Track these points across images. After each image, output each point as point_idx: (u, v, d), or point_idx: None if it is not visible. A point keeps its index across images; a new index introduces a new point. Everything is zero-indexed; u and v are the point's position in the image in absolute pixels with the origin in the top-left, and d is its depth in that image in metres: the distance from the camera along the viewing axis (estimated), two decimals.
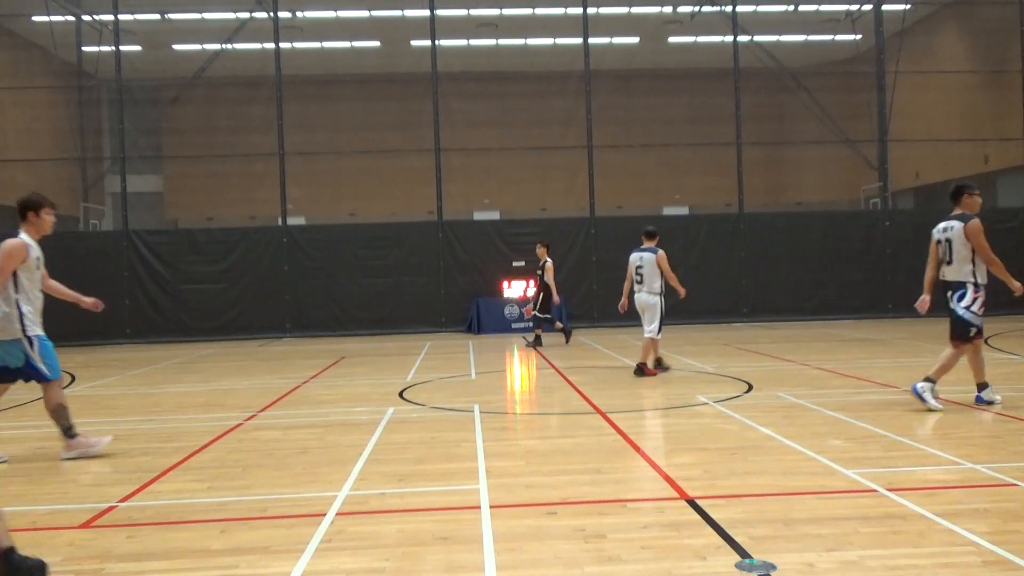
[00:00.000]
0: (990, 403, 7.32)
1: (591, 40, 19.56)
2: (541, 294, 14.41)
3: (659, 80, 25.08)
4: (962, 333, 7.23)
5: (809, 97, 21.30)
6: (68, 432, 6.26)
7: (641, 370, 10.10)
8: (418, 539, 4.14)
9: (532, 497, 4.84)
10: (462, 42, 23.22)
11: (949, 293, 7.36)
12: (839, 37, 23.90)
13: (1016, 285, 7.29)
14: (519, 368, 12.00)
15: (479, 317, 18.00)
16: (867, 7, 21.81)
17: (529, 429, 7.32)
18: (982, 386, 7.43)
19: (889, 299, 19.13)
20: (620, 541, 4.02)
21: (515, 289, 18.40)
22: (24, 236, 6.11)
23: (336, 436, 6.94)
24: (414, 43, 22.25)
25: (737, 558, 3.71)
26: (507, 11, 21.94)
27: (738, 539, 3.96)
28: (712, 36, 21.88)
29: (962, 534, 3.93)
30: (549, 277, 14.32)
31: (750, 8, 21.10)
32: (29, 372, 6.12)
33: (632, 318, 18.48)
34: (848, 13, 22.74)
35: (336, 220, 21.56)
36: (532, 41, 23.79)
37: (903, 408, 7.41)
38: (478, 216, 21.93)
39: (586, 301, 18.79)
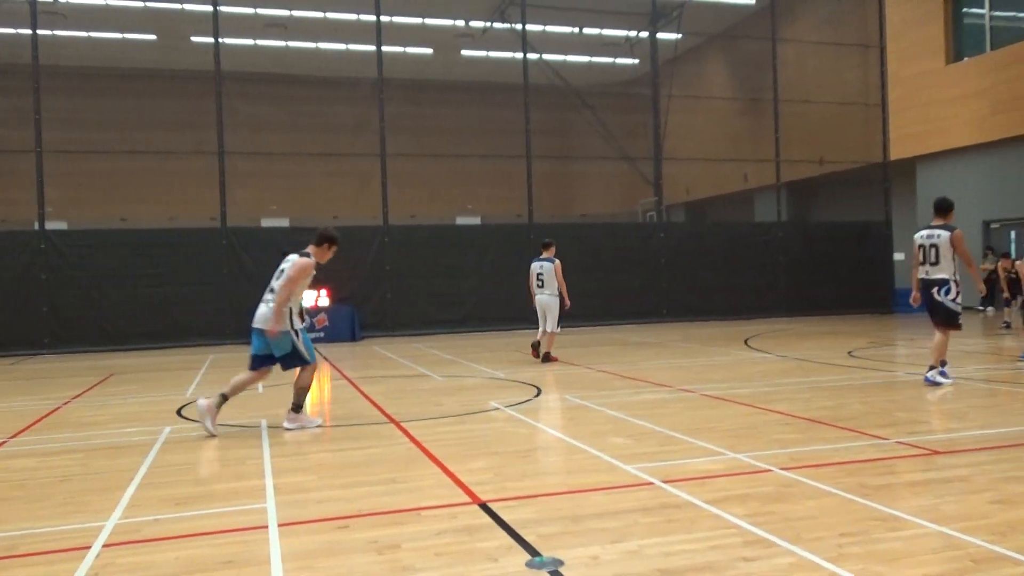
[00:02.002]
0: (939, 384, 8.65)
1: (384, 48, 19.45)
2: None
3: (452, 91, 25.49)
4: (951, 321, 8.70)
5: (593, 115, 22.53)
6: (298, 407, 7.50)
7: (548, 358, 12.07)
8: (199, 565, 3.87)
9: (324, 512, 4.68)
10: (248, 42, 22.27)
11: (935, 289, 8.75)
12: (619, 60, 25.55)
13: (982, 287, 9.22)
14: None
15: None
16: (644, 34, 23.46)
17: (321, 442, 7.09)
18: (943, 363, 8.82)
19: (664, 304, 20.63)
20: (414, 550, 3.98)
21: (307, 298, 17.81)
22: (313, 258, 7.40)
23: (103, 460, 6.34)
24: (195, 39, 21.02)
25: (528, 557, 3.80)
26: (297, 13, 21.33)
27: (528, 538, 4.06)
28: (503, 52, 22.56)
29: (727, 518, 4.28)
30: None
31: (539, 27, 21.98)
32: (294, 358, 7.36)
33: (428, 327, 18.67)
34: (627, 39, 24.38)
35: (104, 225, 19.79)
36: (323, 45, 23.29)
37: (677, 405, 7.99)
38: (266, 223, 21.05)
39: (380, 310, 18.61)
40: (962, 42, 22.02)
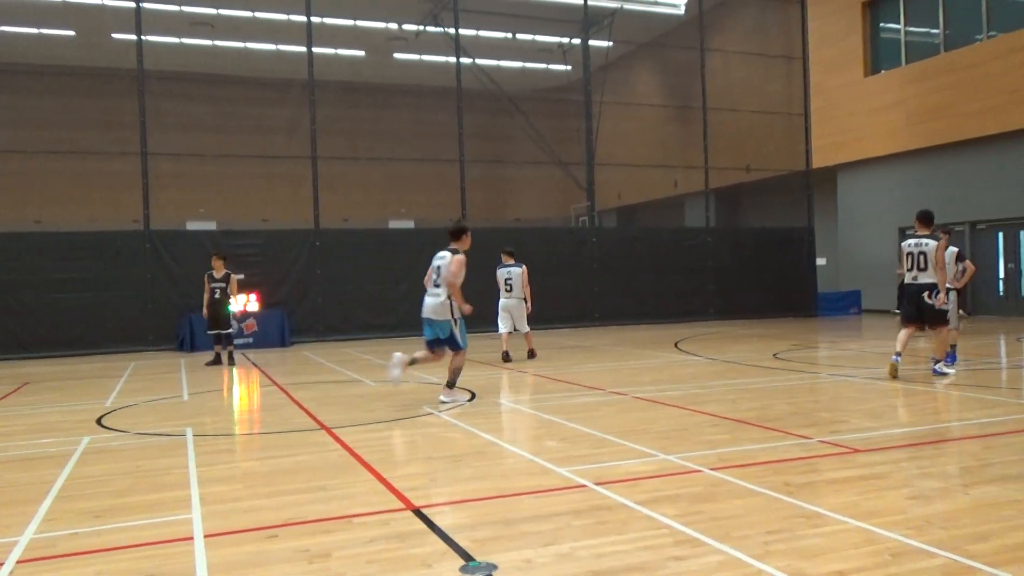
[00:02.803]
0: (946, 374, 9.51)
1: (316, 49, 19.17)
2: (224, 309, 13.75)
3: (385, 94, 25.30)
4: (941, 319, 9.51)
5: (526, 120, 22.64)
6: (452, 384, 8.63)
7: (532, 354, 13.06)
8: None
9: (252, 521, 4.57)
10: (173, 40, 21.67)
11: (925, 293, 9.46)
12: (552, 66, 25.76)
13: (942, 298, 9.40)
14: (238, 387, 11.35)
15: (192, 334, 16.77)
16: (576, 41, 23.71)
17: (249, 450, 6.92)
18: (937, 360, 9.65)
19: (596, 308, 20.85)
20: (345, 558, 3.92)
21: (236, 303, 17.41)
22: (462, 252, 8.39)
23: (16, 473, 6.07)
24: (116, 36, 20.35)
25: (461, 562, 3.78)
26: (224, 11, 20.85)
27: (462, 543, 4.04)
28: (436, 56, 22.50)
29: (658, 519, 4.34)
30: (233, 290, 13.95)
31: (472, 32, 21.99)
32: (451, 342, 8.49)
33: (361, 332, 18.45)
34: (560, 45, 24.61)
35: (17, 228, 18.94)
36: (252, 45, 22.84)
37: (609, 408, 8.07)
38: (192, 226, 20.49)
39: (311, 315, 18.30)
40: (879, 55, 22.91)
